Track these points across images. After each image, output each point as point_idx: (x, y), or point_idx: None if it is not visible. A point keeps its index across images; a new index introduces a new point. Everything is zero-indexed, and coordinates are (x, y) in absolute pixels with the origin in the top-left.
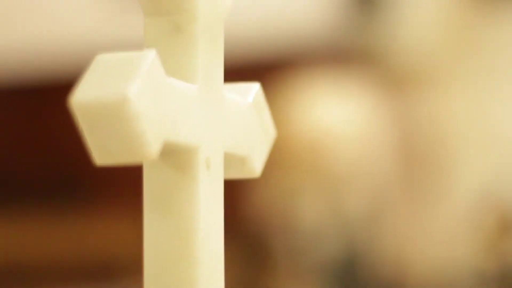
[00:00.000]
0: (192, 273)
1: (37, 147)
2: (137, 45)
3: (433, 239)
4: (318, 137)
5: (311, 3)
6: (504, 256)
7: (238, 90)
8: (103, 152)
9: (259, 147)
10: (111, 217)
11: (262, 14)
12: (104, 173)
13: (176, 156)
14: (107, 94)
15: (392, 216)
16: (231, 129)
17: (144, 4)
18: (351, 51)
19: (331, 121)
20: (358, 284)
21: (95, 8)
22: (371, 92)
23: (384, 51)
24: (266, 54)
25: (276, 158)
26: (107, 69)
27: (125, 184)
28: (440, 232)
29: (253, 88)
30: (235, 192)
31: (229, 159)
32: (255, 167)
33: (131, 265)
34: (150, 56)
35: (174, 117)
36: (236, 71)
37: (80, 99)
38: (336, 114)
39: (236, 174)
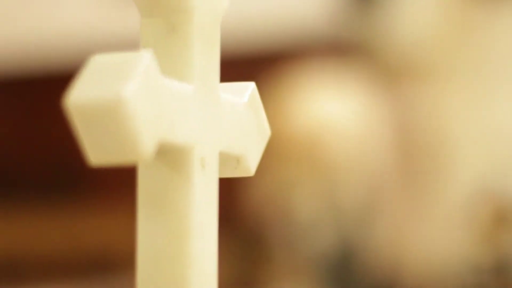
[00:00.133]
0: (185, 272)
1: (32, 142)
2: (134, 41)
3: (429, 233)
4: (315, 131)
5: None
6: (500, 248)
7: (234, 89)
8: (98, 152)
9: (254, 147)
10: (107, 213)
11: (259, 7)
12: (101, 169)
13: (171, 155)
14: (102, 95)
15: (388, 210)
16: (227, 128)
17: (140, 5)
18: (349, 44)
19: (328, 115)
20: (354, 278)
21: (93, 2)
22: (368, 86)
23: (382, 45)
24: (263, 47)
25: (273, 151)
26: (103, 70)
27: (122, 180)
28: (436, 225)
29: (249, 88)
30: (232, 186)
31: (224, 159)
32: (250, 167)
33: (127, 261)
34: (146, 57)
35: (169, 117)
36: (233, 65)
37: (76, 99)
38: (334, 108)
39: (231, 173)
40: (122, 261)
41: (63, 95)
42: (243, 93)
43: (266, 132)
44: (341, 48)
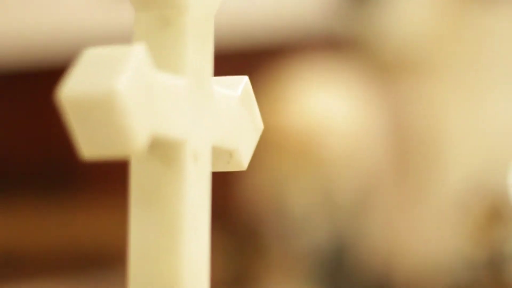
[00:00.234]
0: (177, 266)
1: (26, 137)
2: (128, 35)
3: (422, 228)
4: (309, 126)
5: None
6: (493, 244)
7: (227, 83)
8: (90, 146)
9: (247, 141)
10: (102, 208)
11: (255, 2)
12: (96, 164)
13: (163, 149)
14: (95, 88)
15: (382, 205)
16: (219, 122)
17: None
18: (344, 40)
19: (323, 110)
20: (347, 273)
21: None
22: (363, 81)
23: (377, 41)
24: (259, 42)
25: (268, 146)
26: (95, 63)
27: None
28: (430, 221)
29: (242, 82)
30: (226, 181)
31: (217, 152)
32: (242, 161)
33: (122, 256)
34: (139, 50)
35: (162, 110)
36: (229, 59)
37: (68, 93)
38: (328, 103)
39: (224, 168)
40: (117, 255)
41: (57, 89)
42: (236, 87)
43: (259, 126)
44: (336, 43)
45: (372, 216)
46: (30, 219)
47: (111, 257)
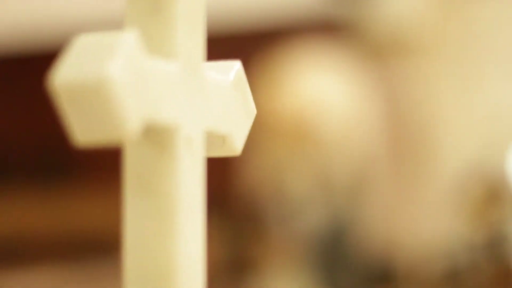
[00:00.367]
0: (172, 250)
1: (23, 125)
2: (119, 20)
3: (420, 211)
4: (305, 110)
5: None
6: (491, 226)
7: (219, 68)
8: (84, 132)
9: (240, 125)
10: (99, 195)
11: None
12: (92, 151)
13: (156, 135)
14: (87, 74)
15: (379, 188)
16: (212, 107)
17: None
18: (339, 24)
19: (319, 93)
20: (345, 255)
21: None
22: (358, 65)
23: (371, 24)
24: (255, 26)
25: (265, 130)
26: (87, 49)
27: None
28: (428, 203)
29: (234, 66)
30: (224, 165)
31: (210, 137)
32: (236, 145)
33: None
34: (130, 36)
35: (154, 96)
36: (225, 43)
37: (61, 79)
38: (324, 86)
39: (217, 152)
40: (114, 242)
41: (50, 76)
42: (228, 72)
43: (252, 111)
44: (332, 27)
45: (369, 199)
46: (27, 207)
47: (108, 244)
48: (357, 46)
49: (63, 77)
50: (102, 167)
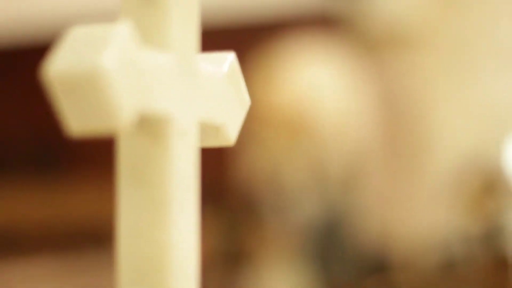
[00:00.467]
0: (165, 240)
1: (20, 116)
2: (114, 12)
3: (415, 202)
4: (301, 102)
5: None
6: (487, 217)
7: (213, 59)
8: (78, 122)
9: (233, 116)
10: (94, 185)
11: None
12: (88, 142)
13: (150, 125)
14: (82, 65)
15: (375, 179)
16: (206, 98)
17: None
18: (335, 17)
19: (315, 86)
20: (340, 246)
21: None
22: (354, 58)
23: (367, 18)
24: (252, 19)
25: (261, 122)
26: (82, 41)
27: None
28: (423, 195)
29: (228, 58)
30: (220, 157)
31: (204, 128)
32: (229, 136)
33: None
34: (124, 27)
35: (148, 87)
36: (221, 35)
37: (55, 70)
38: (319, 79)
39: (211, 143)
40: (109, 232)
41: (44, 67)
42: (222, 64)
43: (246, 101)
44: (328, 21)
45: (365, 191)
46: (23, 198)
47: (103, 234)
48: (353, 40)
49: (57, 68)
50: (98, 159)
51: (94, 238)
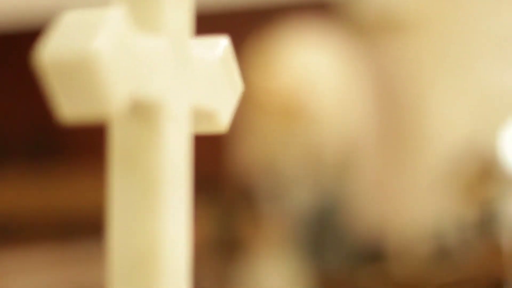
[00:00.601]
0: (156, 227)
1: (14, 106)
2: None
3: (410, 190)
4: (296, 88)
5: None
6: (482, 204)
7: (207, 44)
8: (71, 108)
9: (226, 102)
10: (90, 174)
11: None
12: (85, 131)
13: (142, 110)
14: (74, 50)
15: (369, 165)
16: (199, 83)
17: None
18: (329, 2)
19: (309, 72)
20: (335, 234)
21: None
22: (349, 43)
23: (362, 3)
24: (247, 4)
25: (256, 108)
26: (74, 25)
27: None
28: (418, 182)
29: (222, 43)
30: (216, 144)
31: (197, 114)
32: (222, 121)
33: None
34: (117, 12)
35: (141, 71)
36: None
37: (48, 55)
38: (314, 65)
39: (204, 128)
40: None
41: (36, 52)
42: (215, 48)
43: (239, 87)
44: (324, 6)
45: (360, 178)
46: (18, 188)
47: (99, 223)
48: (349, 26)
49: (50, 53)
50: (94, 148)
51: (90, 227)
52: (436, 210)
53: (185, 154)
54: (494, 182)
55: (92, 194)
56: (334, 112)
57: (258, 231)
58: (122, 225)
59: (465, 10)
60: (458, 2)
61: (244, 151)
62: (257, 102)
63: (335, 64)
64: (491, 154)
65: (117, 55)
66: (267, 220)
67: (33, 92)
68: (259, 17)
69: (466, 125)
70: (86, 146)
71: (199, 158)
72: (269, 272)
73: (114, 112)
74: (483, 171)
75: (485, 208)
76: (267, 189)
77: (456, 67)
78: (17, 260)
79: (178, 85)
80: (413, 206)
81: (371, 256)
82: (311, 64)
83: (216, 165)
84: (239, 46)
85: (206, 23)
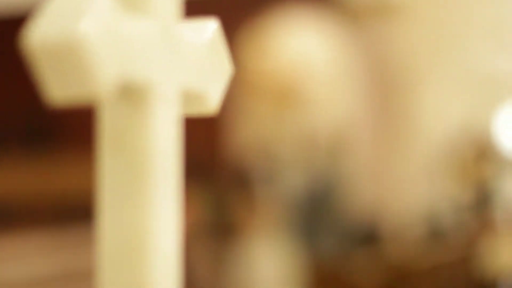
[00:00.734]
0: (146, 210)
1: (7, 89)
2: None
3: (405, 172)
4: (290, 71)
5: None
6: (478, 186)
7: (195, 27)
8: (59, 91)
9: (216, 84)
10: (83, 159)
11: None
12: (78, 116)
13: (131, 93)
14: (62, 32)
15: (364, 149)
16: (188, 66)
17: None
18: None
19: (302, 56)
20: (329, 217)
21: None
22: (342, 27)
23: None
24: None
25: (249, 92)
26: (63, 8)
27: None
28: (412, 165)
29: (210, 26)
30: (209, 127)
31: (186, 96)
32: (211, 104)
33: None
34: None
35: (130, 54)
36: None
37: (36, 38)
38: (307, 49)
39: (194, 110)
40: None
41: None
42: (204, 31)
43: (228, 69)
44: None
45: (354, 161)
46: (12, 173)
47: (93, 207)
48: (342, 10)
49: (38, 37)
50: (87, 133)
51: (83, 211)
52: (430, 192)
53: (174, 137)
54: (489, 163)
55: (85, 178)
56: (328, 95)
57: (252, 214)
58: (111, 208)
59: None
60: None
61: (238, 135)
62: (251, 86)
63: (328, 49)
64: (486, 136)
65: (105, 37)
66: (261, 203)
67: (24, 78)
68: (254, 2)
69: (460, 107)
70: (79, 131)
71: (194, 142)
72: (263, 255)
73: (102, 94)
74: (478, 153)
75: (480, 189)
76: (261, 172)
77: (449, 51)
78: (10, 245)
79: (167, 68)
80: (407, 189)
81: (365, 239)
82: (305, 49)
83: (210, 148)
84: (235, 30)
85: (202, 8)
